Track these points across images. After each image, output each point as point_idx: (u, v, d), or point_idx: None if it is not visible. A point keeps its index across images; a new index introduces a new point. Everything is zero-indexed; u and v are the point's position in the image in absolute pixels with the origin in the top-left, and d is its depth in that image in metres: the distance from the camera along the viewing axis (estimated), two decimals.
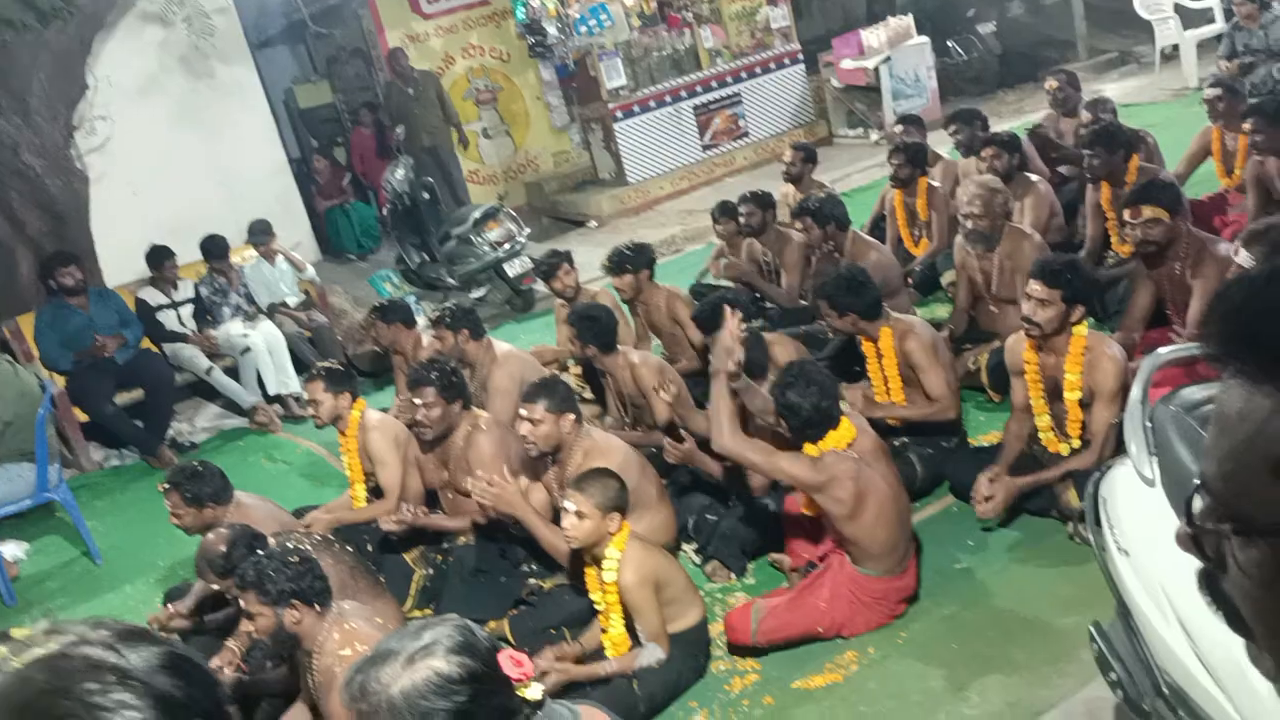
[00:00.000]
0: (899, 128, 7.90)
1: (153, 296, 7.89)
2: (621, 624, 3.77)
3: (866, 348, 4.85)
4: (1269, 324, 0.65)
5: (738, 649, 3.97)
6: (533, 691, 1.93)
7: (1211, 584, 0.73)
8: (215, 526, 4.14)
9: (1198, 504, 0.71)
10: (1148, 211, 4.68)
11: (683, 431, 4.88)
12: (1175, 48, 10.89)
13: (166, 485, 4.42)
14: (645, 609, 3.68)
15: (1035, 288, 4.07)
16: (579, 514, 3.64)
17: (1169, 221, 4.66)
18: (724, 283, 7.20)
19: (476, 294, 8.74)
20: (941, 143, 8.23)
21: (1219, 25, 10.58)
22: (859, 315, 4.71)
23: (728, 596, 4.32)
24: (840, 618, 3.87)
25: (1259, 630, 0.70)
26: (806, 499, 4.02)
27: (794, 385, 3.81)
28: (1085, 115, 7.18)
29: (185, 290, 8.00)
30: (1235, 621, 0.72)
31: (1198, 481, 0.71)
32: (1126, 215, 4.88)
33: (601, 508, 3.64)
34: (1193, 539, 0.71)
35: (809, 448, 3.84)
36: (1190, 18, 11.01)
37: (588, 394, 6.07)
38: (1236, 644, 0.76)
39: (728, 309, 4.00)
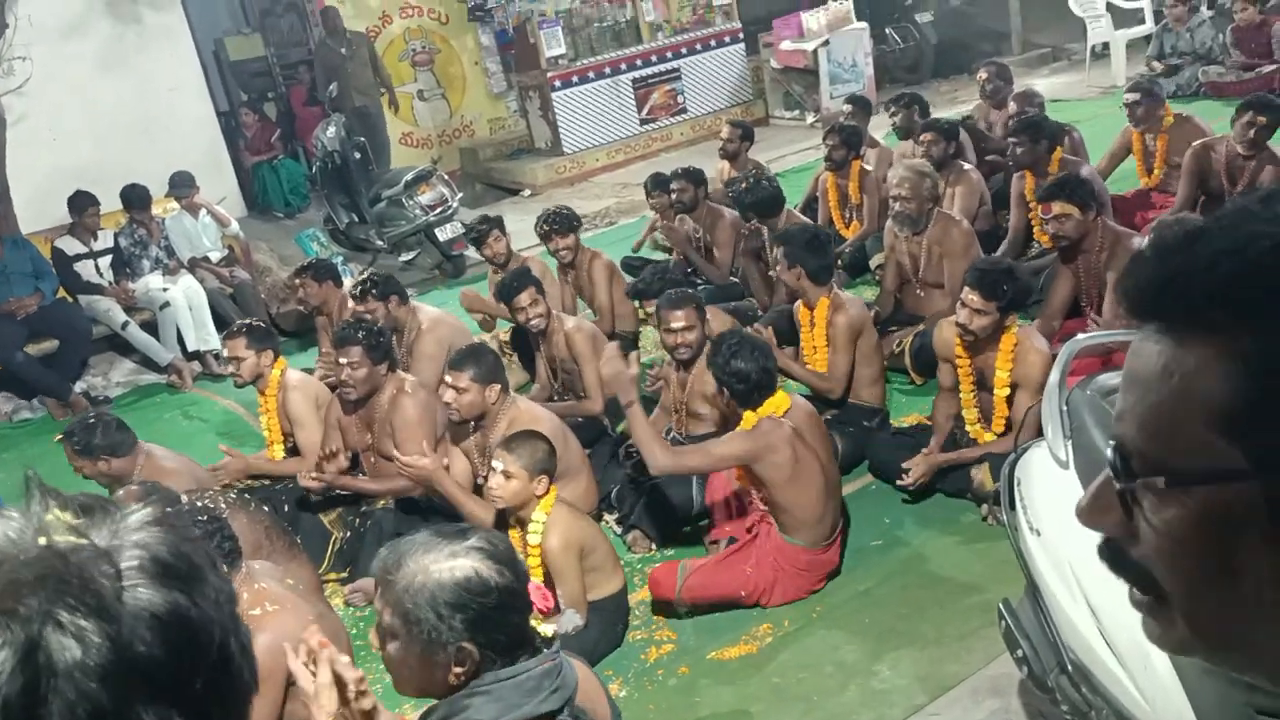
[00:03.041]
0: (847, 107, 7.96)
1: (70, 246, 7.67)
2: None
3: (803, 314, 4.90)
4: (1196, 278, 0.66)
5: (660, 607, 4.00)
6: (546, 627, 1.99)
7: (1115, 554, 0.73)
8: (123, 478, 4.06)
9: (1115, 467, 0.71)
10: (1058, 207, 4.78)
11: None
12: (1106, 46, 11.09)
13: (60, 436, 4.35)
14: (567, 574, 3.68)
15: (973, 298, 4.10)
16: (506, 474, 3.62)
17: (1079, 216, 4.76)
18: (657, 255, 7.22)
19: (406, 257, 8.63)
20: (877, 128, 8.31)
21: (1149, 26, 10.82)
22: (807, 273, 4.75)
23: (647, 567, 4.34)
24: (763, 584, 3.91)
25: (1178, 592, 0.70)
26: (740, 472, 4.05)
27: (738, 352, 3.85)
28: (1013, 107, 7.31)
29: (104, 240, 7.79)
30: (1148, 590, 0.72)
31: (1113, 444, 0.71)
32: (1040, 210, 4.97)
33: (529, 469, 3.62)
34: (1120, 498, 0.71)
35: (748, 415, 3.88)
36: (1121, 17, 11.23)
37: (514, 361, 6.05)
38: (1139, 623, 0.76)
39: (618, 350, 4.00)
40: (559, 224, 6.10)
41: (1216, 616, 0.69)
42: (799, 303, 4.96)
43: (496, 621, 1.89)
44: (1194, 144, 6.05)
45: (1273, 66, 9.12)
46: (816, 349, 4.85)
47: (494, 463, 3.69)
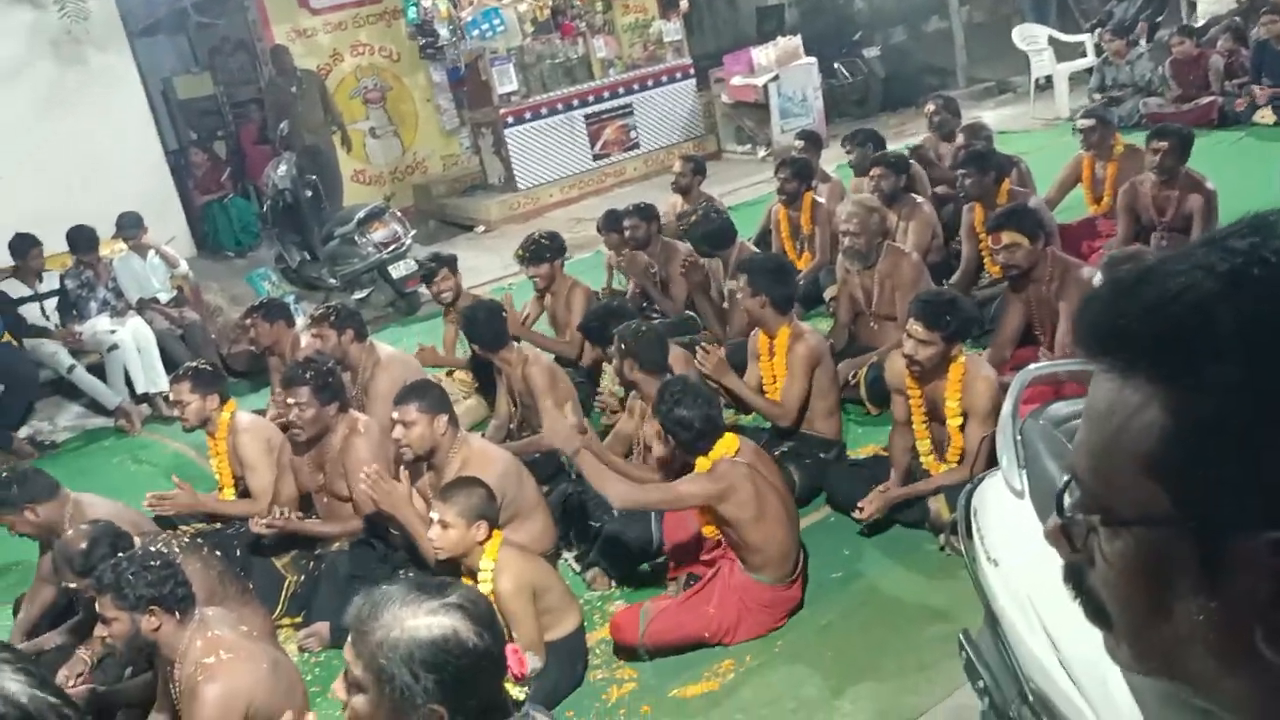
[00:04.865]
0: (798, 142, 8.04)
1: (14, 289, 7.55)
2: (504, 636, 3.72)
3: (762, 343, 4.91)
4: (1140, 319, 0.67)
5: (622, 650, 3.96)
6: (518, 692, 1.92)
7: (1076, 577, 0.74)
8: (54, 527, 4.02)
9: (1068, 497, 0.73)
10: (1006, 237, 4.85)
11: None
12: (1049, 79, 11.31)
13: None
14: (522, 617, 3.63)
15: (916, 329, 4.12)
16: (443, 524, 3.57)
17: (1028, 246, 4.82)
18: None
19: (359, 295, 8.56)
20: (829, 161, 8.39)
21: (1090, 59, 11.06)
22: (770, 301, 4.76)
23: (606, 605, 4.31)
24: (727, 623, 3.88)
25: (1121, 620, 0.72)
26: (704, 517, 4.02)
27: (682, 400, 3.83)
28: (960, 139, 7.41)
29: (50, 282, 7.67)
30: (1098, 614, 0.74)
31: (1068, 475, 0.73)
32: (990, 240, 5.04)
33: (466, 516, 3.57)
34: (1063, 530, 0.73)
35: (700, 461, 3.86)
36: (1063, 51, 11.48)
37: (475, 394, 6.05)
38: (1098, 652, 0.77)
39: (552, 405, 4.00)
40: (533, 254, 6.22)
41: (1154, 647, 0.70)
42: (757, 331, 4.97)
43: (470, 685, 1.82)
44: (1124, 184, 6.17)
45: (1210, 98, 9.35)
46: (776, 378, 4.86)
47: (430, 514, 3.64)
